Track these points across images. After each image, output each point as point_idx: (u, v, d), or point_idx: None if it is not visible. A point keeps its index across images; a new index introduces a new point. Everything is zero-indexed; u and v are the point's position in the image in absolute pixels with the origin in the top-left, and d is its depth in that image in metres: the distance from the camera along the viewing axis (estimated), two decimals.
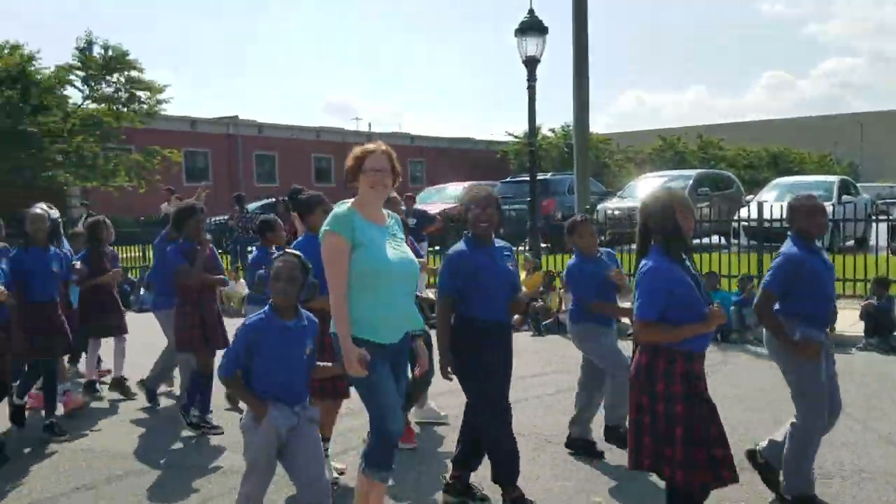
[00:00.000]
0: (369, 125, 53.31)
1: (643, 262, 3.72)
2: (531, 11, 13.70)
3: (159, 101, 28.96)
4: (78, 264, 7.11)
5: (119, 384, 7.61)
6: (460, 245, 4.65)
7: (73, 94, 28.42)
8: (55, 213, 6.56)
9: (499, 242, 4.73)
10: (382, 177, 3.89)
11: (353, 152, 3.97)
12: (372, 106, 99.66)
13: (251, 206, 22.18)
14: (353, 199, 3.96)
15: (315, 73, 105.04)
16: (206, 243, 6.35)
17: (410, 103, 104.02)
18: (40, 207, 6.44)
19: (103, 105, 28.02)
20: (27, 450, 6.08)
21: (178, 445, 6.18)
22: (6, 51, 26.97)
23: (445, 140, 50.13)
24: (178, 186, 20.78)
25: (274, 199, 16.38)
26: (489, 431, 4.58)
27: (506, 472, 4.59)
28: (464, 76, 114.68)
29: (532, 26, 13.56)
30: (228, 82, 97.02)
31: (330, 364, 4.12)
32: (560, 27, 17.16)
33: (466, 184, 21.55)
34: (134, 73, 28.17)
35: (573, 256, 5.64)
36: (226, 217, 19.18)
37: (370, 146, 3.98)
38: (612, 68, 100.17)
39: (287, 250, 4.16)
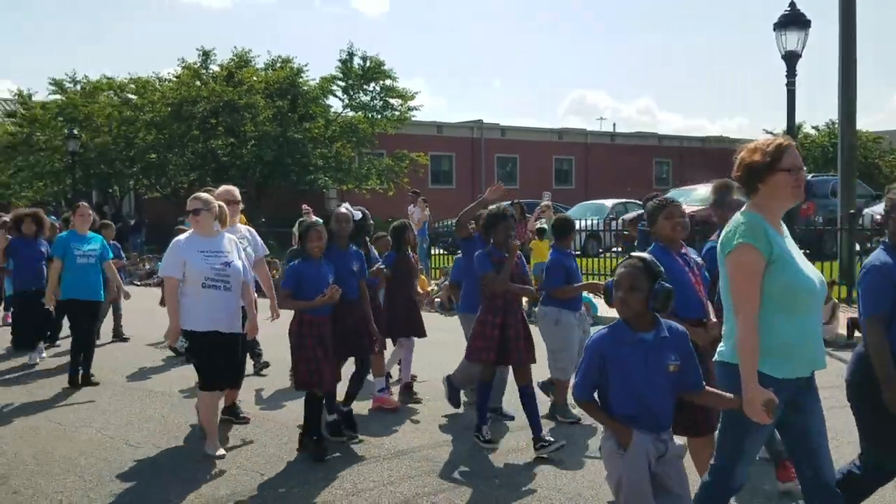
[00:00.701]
0: (613, 125, 52.58)
1: None
2: (792, 4, 12.90)
3: (410, 109, 30.51)
4: (381, 266, 7.05)
5: (409, 388, 7.49)
6: (881, 255, 3.79)
7: (334, 103, 30.80)
8: (358, 214, 6.49)
9: None
10: (804, 176, 3.34)
11: (758, 146, 3.34)
12: (617, 105, 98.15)
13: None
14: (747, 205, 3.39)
15: (559, 74, 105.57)
16: (514, 251, 5.90)
17: (659, 102, 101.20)
18: (345, 207, 6.37)
19: (360, 112, 30.02)
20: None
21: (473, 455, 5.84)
22: (279, 65, 29.82)
23: (696, 139, 48.04)
24: (423, 189, 21.68)
25: (509, 202, 16.51)
26: (872, 484, 3.85)
27: None
28: (713, 73, 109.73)
29: (793, 20, 12.74)
30: (474, 86, 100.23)
31: (728, 396, 3.39)
32: (824, 17, 15.79)
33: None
34: (388, 82, 29.91)
35: None
36: None
37: (781, 139, 3.36)
38: (886, 61, 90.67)
39: (633, 253, 3.67)
